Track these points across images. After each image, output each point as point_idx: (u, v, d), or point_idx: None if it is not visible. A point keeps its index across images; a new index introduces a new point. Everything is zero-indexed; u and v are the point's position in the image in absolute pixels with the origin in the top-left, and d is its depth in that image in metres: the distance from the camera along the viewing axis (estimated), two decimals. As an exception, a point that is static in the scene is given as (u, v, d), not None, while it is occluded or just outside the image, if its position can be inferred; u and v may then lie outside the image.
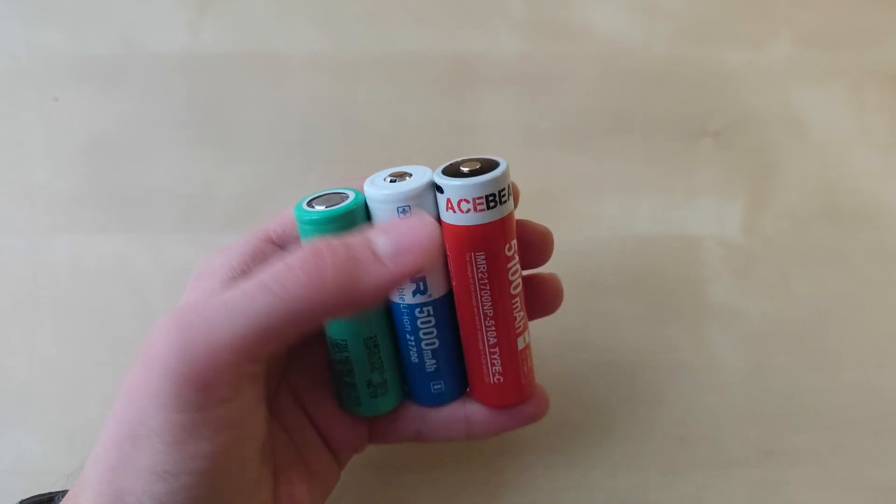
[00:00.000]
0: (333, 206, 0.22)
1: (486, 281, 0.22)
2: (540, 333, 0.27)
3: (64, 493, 0.24)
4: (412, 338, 0.24)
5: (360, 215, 0.22)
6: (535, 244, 0.24)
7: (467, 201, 0.21)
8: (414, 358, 0.24)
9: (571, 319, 0.32)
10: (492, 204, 0.21)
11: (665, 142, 0.36)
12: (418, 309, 0.23)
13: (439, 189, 0.22)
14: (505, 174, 0.22)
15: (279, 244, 0.23)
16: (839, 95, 0.37)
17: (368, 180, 0.22)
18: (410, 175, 0.22)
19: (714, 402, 0.31)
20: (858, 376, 0.31)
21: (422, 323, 0.23)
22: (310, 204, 0.22)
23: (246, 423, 0.20)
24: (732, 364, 0.31)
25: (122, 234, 0.34)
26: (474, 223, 0.21)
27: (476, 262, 0.22)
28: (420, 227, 0.20)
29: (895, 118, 0.37)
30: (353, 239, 0.19)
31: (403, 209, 0.22)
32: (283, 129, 0.36)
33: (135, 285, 0.33)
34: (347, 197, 0.22)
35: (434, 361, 0.24)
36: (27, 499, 0.24)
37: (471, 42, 0.38)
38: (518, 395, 0.24)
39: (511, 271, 0.23)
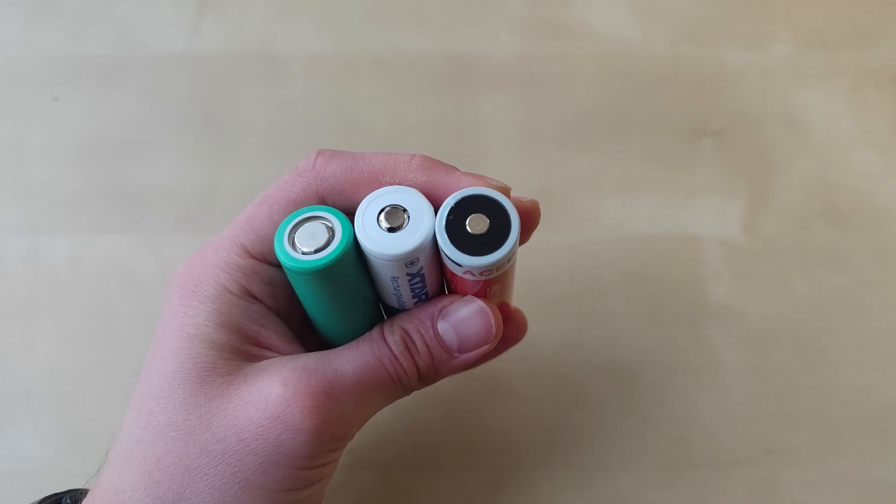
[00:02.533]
0: (319, 250, 0.19)
1: (497, 297, 0.23)
2: (540, 333, 0.27)
3: (70, 492, 0.24)
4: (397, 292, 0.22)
5: (351, 257, 0.20)
6: (523, 222, 0.24)
7: (488, 271, 0.20)
8: (395, 303, 0.23)
9: (571, 319, 0.32)
10: (509, 260, 0.20)
11: (665, 142, 0.36)
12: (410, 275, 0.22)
13: (455, 263, 0.20)
14: (518, 229, 0.19)
15: (261, 259, 0.22)
16: (839, 95, 0.37)
17: (360, 223, 0.20)
18: (405, 210, 0.20)
19: (714, 402, 0.31)
20: (858, 376, 0.31)
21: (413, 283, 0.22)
22: (291, 239, 0.20)
23: (337, 464, 0.22)
24: (732, 364, 0.31)
25: (122, 234, 0.34)
26: (492, 276, 0.21)
27: (490, 290, 0.22)
28: (482, 322, 0.22)
29: (895, 118, 0.37)
30: (426, 332, 0.22)
31: (411, 262, 0.20)
32: (283, 129, 0.36)
33: (135, 285, 0.33)
34: (334, 232, 0.20)
35: (417, 301, 0.23)
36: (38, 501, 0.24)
37: (471, 42, 0.38)
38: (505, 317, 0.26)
39: (513, 276, 0.23)
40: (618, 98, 0.37)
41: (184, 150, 0.36)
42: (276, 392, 0.19)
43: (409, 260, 0.20)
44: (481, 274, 0.20)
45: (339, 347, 0.22)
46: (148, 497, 0.19)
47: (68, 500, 0.23)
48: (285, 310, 0.23)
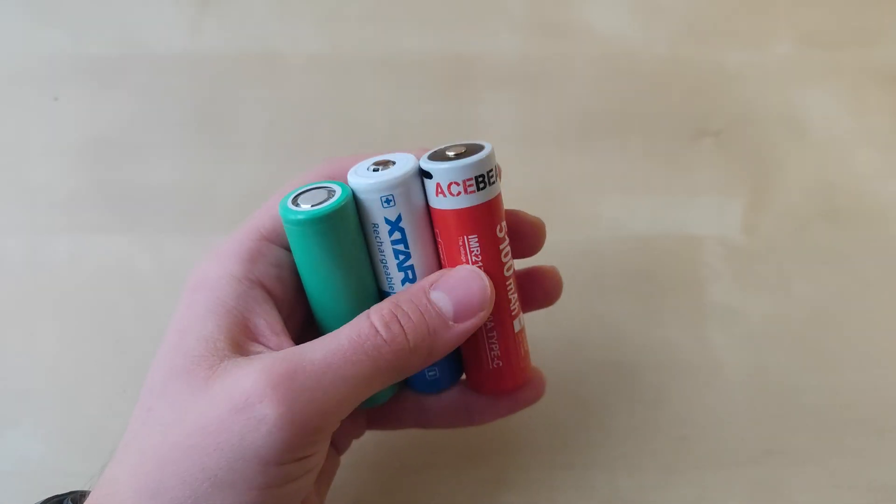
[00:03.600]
0: (319, 204, 0.21)
1: (480, 264, 0.22)
2: (540, 334, 0.27)
3: (72, 493, 0.24)
4: None
5: (348, 213, 0.21)
6: (528, 234, 0.24)
7: (457, 184, 0.21)
8: (385, 284, 0.23)
9: (571, 319, 0.32)
10: (481, 185, 0.21)
11: (665, 142, 0.36)
12: None
13: (427, 175, 0.21)
14: (491, 155, 0.22)
15: (273, 240, 0.23)
16: (839, 95, 0.37)
17: (352, 170, 0.22)
18: (394, 163, 0.22)
19: (714, 401, 0.31)
20: (858, 376, 0.31)
21: None
22: (295, 201, 0.21)
23: (321, 460, 0.21)
24: (732, 364, 0.31)
25: (122, 234, 0.34)
26: (466, 205, 0.21)
27: (469, 245, 0.22)
28: (474, 284, 0.22)
29: (895, 118, 0.37)
30: (419, 300, 0.21)
31: (387, 199, 0.21)
32: (283, 129, 0.36)
33: (135, 285, 0.33)
34: (334, 193, 0.21)
35: None
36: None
37: (471, 42, 0.38)
38: (516, 380, 0.25)
39: (503, 252, 0.23)
40: (618, 98, 0.37)
41: (184, 150, 0.36)
42: (240, 383, 0.19)
43: (385, 194, 0.21)
44: (450, 188, 0.21)
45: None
46: (130, 490, 0.19)
47: (69, 502, 0.23)
48: (288, 303, 0.23)
